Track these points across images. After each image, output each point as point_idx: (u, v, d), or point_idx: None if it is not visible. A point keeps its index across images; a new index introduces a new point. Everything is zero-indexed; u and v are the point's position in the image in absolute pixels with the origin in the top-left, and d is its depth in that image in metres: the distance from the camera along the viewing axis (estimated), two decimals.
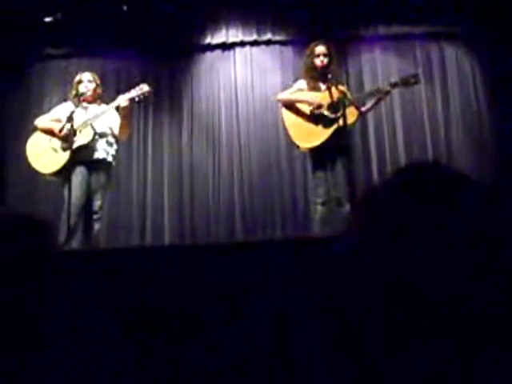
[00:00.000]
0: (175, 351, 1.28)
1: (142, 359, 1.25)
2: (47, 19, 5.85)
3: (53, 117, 4.23)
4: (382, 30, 5.92)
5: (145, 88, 4.15)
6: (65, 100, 4.51)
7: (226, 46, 6.08)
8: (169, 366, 1.23)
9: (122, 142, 4.65)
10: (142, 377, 1.22)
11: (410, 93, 5.59)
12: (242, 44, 6.07)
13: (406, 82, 4.10)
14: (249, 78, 6.01)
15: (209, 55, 6.11)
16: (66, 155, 3.98)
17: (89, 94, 4.24)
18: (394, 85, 4.10)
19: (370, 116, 5.51)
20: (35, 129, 4.23)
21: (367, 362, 0.87)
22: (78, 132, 3.95)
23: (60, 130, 4.03)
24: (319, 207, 4.06)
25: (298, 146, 4.19)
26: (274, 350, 1.23)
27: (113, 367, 1.18)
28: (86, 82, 4.28)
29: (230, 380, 1.21)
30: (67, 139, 3.96)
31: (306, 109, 4.10)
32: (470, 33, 5.87)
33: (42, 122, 4.23)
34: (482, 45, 5.85)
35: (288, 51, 6.03)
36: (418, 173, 0.99)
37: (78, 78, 4.35)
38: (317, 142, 4.01)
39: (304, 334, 1.22)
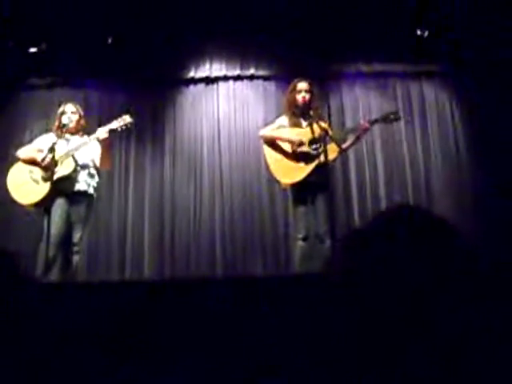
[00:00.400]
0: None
1: None
2: (32, 49, 5.88)
3: (35, 147, 4.22)
4: (362, 67, 6.04)
5: (127, 119, 4.17)
6: (47, 131, 4.50)
7: (209, 80, 6.13)
8: None
9: (104, 172, 4.65)
10: None
11: (391, 130, 5.69)
12: (226, 78, 6.13)
13: (387, 119, 4.18)
14: (231, 113, 6.06)
15: (192, 89, 6.15)
16: (47, 186, 3.96)
17: (71, 125, 4.24)
18: (373, 122, 4.19)
19: (351, 153, 5.58)
20: (17, 159, 4.21)
21: None
22: (59, 163, 3.94)
23: (42, 160, 4.02)
24: (300, 243, 4.06)
25: (278, 182, 4.22)
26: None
27: None
28: (70, 113, 4.29)
29: None
30: (48, 170, 3.95)
31: (288, 146, 4.13)
32: (448, 72, 6.01)
33: (23, 152, 4.22)
34: (460, 83, 5.98)
35: (271, 86, 6.10)
36: (398, 216, 1.01)
37: (61, 109, 4.36)
38: (298, 178, 4.04)
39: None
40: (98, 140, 4.15)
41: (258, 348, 1.33)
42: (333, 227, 3.93)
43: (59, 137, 4.14)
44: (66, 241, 3.99)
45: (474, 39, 5.59)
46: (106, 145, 4.16)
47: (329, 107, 5.96)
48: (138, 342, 1.39)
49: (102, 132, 4.08)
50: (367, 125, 4.16)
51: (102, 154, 4.20)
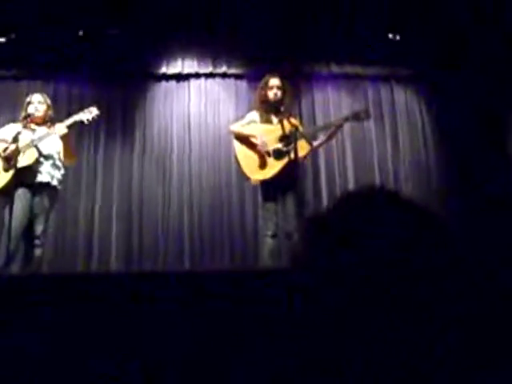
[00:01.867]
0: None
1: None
2: (0, 39, 5.75)
3: None
4: (334, 68, 6.08)
5: (94, 111, 4.09)
6: (14, 121, 4.40)
7: (181, 77, 6.09)
8: None
9: (72, 166, 4.57)
10: None
11: (361, 130, 5.73)
12: (197, 76, 6.10)
13: (357, 117, 4.17)
14: (202, 110, 6.02)
15: (164, 84, 6.10)
16: (8, 176, 3.86)
17: (38, 114, 4.15)
18: (345, 119, 4.18)
19: (321, 151, 5.58)
20: None
21: None
22: (21, 153, 3.84)
23: (4, 150, 3.91)
24: (268, 240, 4.03)
25: (248, 178, 4.18)
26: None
27: None
28: (36, 103, 4.20)
29: None
30: (10, 160, 3.85)
31: (257, 142, 4.10)
32: (419, 75, 6.08)
33: None
34: (429, 86, 6.07)
35: (242, 85, 6.09)
36: (364, 196, 0.99)
37: (28, 99, 4.27)
38: (268, 175, 4.01)
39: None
40: (59, 136, 4.07)
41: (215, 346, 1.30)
42: (302, 224, 3.91)
43: (25, 127, 4.05)
44: (27, 233, 3.88)
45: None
46: (67, 140, 4.09)
47: (300, 106, 5.96)
48: (104, 335, 1.35)
49: (61, 127, 4.00)
50: (340, 121, 4.15)
51: (63, 150, 4.12)
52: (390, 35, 5.96)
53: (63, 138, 4.05)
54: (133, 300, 1.46)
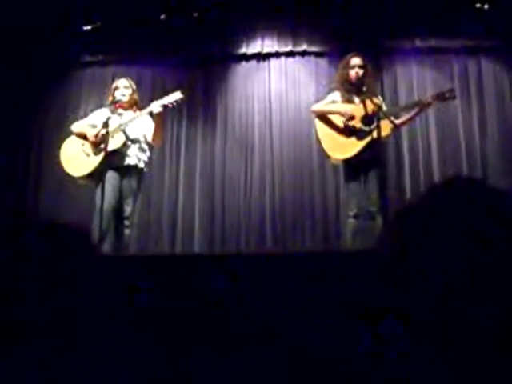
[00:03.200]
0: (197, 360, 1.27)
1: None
2: (86, 27, 5.97)
3: (89, 122, 4.28)
4: (418, 42, 5.85)
5: (178, 95, 4.16)
6: (101, 106, 4.56)
7: (260, 57, 6.09)
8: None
9: (155, 148, 4.69)
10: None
11: (446, 108, 5.51)
12: (277, 55, 6.08)
13: (442, 97, 4.02)
14: (283, 89, 6.01)
15: (244, 65, 6.13)
16: (98, 159, 4.03)
17: (124, 99, 4.27)
18: (430, 100, 4.03)
19: (405, 130, 5.44)
20: (70, 134, 4.29)
21: None
22: (110, 137, 3.98)
23: (95, 136, 4.08)
24: (351, 220, 4.00)
25: (329, 157, 4.15)
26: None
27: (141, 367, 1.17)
28: (122, 88, 4.31)
29: None
30: (100, 144, 4.01)
31: (339, 121, 4.06)
32: (509, 46, 5.76)
33: (77, 127, 4.29)
34: None
35: (323, 63, 6.01)
36: (452, 188, 0.96)
37: (114, 84, 4.40)
38: (350, 154, 3.97)
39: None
40: (151, 114, 4.17)
41: (304, 325, 1.32)
42: (384, 205, 3.86)
43: (113, 112, 4.19)
44: (117, 214, 4.05)
45: None
46: (159, 120, 4.17)
47: (382, 84, 5.82)
48: (187, 316, 1.39)
49: (156, 106, 4.08)
50: (430, 100, 4.01)
51: (154, 129, 4.20)
52: (478, 4, 5.67)
53: (157, 116, 4.12)
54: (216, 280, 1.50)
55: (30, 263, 1.02)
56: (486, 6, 5.64)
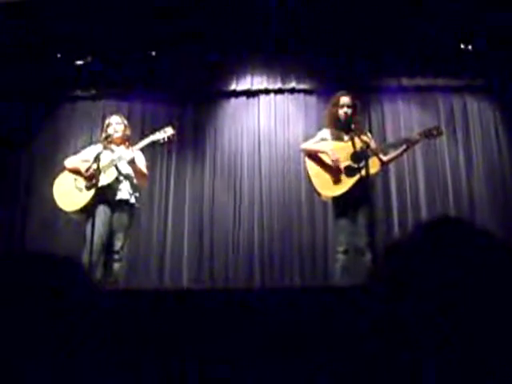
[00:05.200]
0: None
1: None
2: (78, 62, 6.04)
3: (81, 157, 4.32)
4: (405, 81, 6.00)
5: (169, 131, 4.22)
6: (92, 141, 4.61)
7: (250, 93, 6.18)
8: None
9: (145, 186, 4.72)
10: None
11: (432, 145, 5.61)
12: (267, 92, 6.17)
13: (429, 134, 4.12)
14: (272, 126, 6.09)
15: (233, 101, 6.21)
16: (90, 194, 4.06)
17: (117, 135, 4.33)
18: (417, 139, 4.13)
19: (392, 167, 5.52)
20: (63, 169, 4.32)
21: None
22: (102, 172, 4.02)
23: (86, 170, 4.11)
24: (340, 256, 4.02)
25: (320, 195, 4.21)
26: None
27: None
28: (115, 124, 4.38)
29: None
30: (92, 179, 4.04)
31: (328, 160, 4.12)
32: (493, 85, 5.91)
33: (70, 162, 4.33)
34: (506, 97, 5.87)
35: (312, 100, 6.11)
36: (439, 228, 1.00)
37: (107, 121, 4.47)
38: (340, 191, 4.02)
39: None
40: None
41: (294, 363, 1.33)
42: (373, 241, 3.90)
43: (105, 147, 4.23)
44: (107, 248, 4.05)
45: None
46: (134, 164, 4.20)
47: (370, 121, 5.93)
48: (175, 349, 1.40)
49: (128, 153, 4.15)
50: (417, 137, 4.10)
51: (133, 172, 4.25)
52: (462, 46, 5.84)
53: (130, 162, 4.18)
54: (203, 316, 1.51)
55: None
56: (469, 47, 5.80)
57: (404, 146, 4.14)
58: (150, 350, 1.40)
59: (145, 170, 4.35)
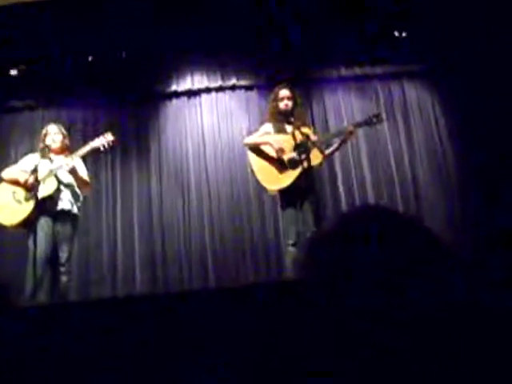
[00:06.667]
0: None
1: None
2: (12, 72, 5.86)
3: (19, 168, 4.20)
4: (343, 71, 6.08)
5: (109, 137, 4.15)
6: (32, 151, 4.49)
7: (191, 93, 6.14)
8: None
9: (91, 190, 4.63)
10: None
11: (374, 132, 5.70)
12: (208, 90, 6.14)
13: (370, 122, 4.19)
14: (215, 124, 6.06)
15: (175, 102, 6.16)
16: (30, 206, 3.93)
17: (55, 145, 4.24)
18: (356, 125, 4.19)
19: (337, 156, 5.57)
20: (1, 180, 4.18)
21: None
22: (42, 182, 3.91)
23: (25, 182, 3.99)
24: (290, 248, 4.02)
25: (266, 189, 4.21)
26: None
27: None
28: (53, 134, 4.28)
29: None
30: (31, 190, 3.93)
31: (272, 151, 4.12)
32: (430, 70, 6.05)
33: (7, 173, 4.20)
34: (442, 81, 6.02)
35: (253, 95, 6.12)
36: (359, 218, 0.99)
37: (44, 131, 4.35)
38: (285, 184, 4.02)
39: None
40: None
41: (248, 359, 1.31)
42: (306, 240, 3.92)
43: (43, 157, 4.13)
44: (52, 261, 3.94)
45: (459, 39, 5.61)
46: (76, 173, 4.15)
47: (312, 112, 5.97)
48: (132, 362, 1.37)
49: (68, 161, 4.06)
50: (351, 128, 4.16)
51: (75, 180, 4.18)
52: (396, 33, 5.94)
53: (71, 171, 4.10)
54: (163, 321, 1.48)
55: None
56: (403, 34, 5.91)
57: (344, 135, 4.18)
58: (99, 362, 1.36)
59: (86, 177, 4.27)
